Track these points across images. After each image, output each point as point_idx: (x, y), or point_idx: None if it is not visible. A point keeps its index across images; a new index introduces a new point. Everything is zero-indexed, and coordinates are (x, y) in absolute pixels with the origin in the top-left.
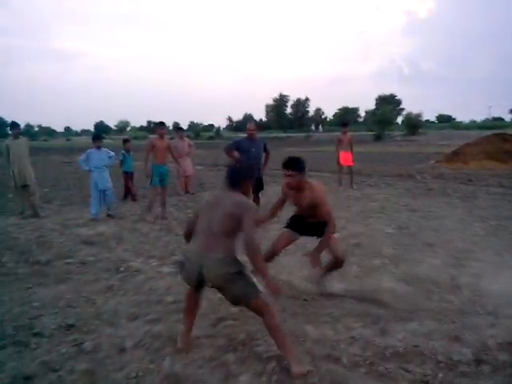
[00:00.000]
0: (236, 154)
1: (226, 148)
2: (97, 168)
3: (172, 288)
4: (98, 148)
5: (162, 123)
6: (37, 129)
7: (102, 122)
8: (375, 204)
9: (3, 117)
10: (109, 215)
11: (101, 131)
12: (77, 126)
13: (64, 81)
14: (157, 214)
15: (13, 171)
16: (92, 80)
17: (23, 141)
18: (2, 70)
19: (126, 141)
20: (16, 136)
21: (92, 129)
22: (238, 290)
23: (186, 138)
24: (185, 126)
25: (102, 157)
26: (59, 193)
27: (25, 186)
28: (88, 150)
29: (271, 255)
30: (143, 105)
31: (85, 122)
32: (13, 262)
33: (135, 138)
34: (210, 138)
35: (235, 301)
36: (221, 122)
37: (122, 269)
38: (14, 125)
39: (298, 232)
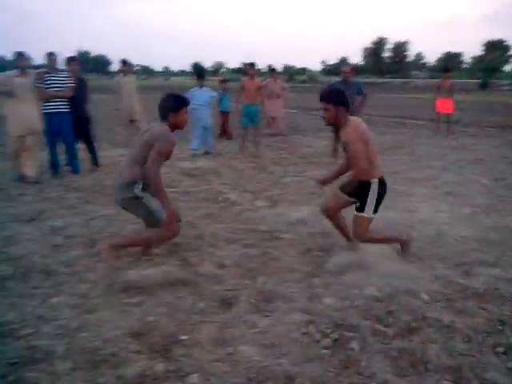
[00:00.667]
0: None
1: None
2: (199, 105)
3: (265, 219)
4: (201, 87)
5: (251, 64)
6: (137, 68)
7: (198, 62)
8: (472, 154)
9: (106, 55)
10: (207, 152)
11: (199, 71)
12: (175, 67)
13: (164, 21)
14: (251, 152)
15: (121, 106)
16: (191, 21)
17: (132, 78)
18: (105, 10)
19: (223, 81)
20: (126, 73)
21: (189, 69)
22: (137, 213)
23: (279, 80)
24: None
25: (204, 95)
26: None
27: (132, 121)
28: (192, 89)
29: (327, 214)
30: (238, 47)
31: (182, 63)
32: None
33: (229, 79)
34: (303, 81)
35: (145, 221)
36: (315, 66)
37: (220, 199)
38: (124, 62)
39: (347, 194)
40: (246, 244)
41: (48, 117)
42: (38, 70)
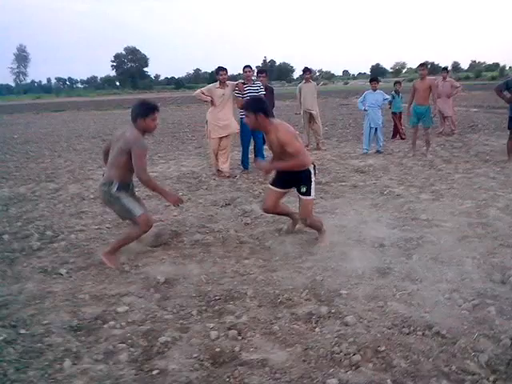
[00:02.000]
0: (507, 94)
1: (496, 88)
2: (371, 107)
3: (427, 209)
4: (374, 90)
5: (421, 64)
6: (318, 73)
7: (378, 64)
8: None
9: (289, 63)
10: (378, 151)
11: (377, 74)
12: (354, 70)
13: (342, 24)
14: (422, 152)
15: (303, 111)
16: (370, 23)
17: (313, 85)
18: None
19: (397, 83)
20: (307, 80)
21: (368, 71)
22: (116, 210)
23: (450, 79)
24: (465, 66)
25: (377, 98)
26: (337, 131)
27: (312, 124)
28: (365, 92)
29: (267, 212)
30: (421, 45)
31: (361, 66)
32: None
33: (410, 80)
34: (493, 78)
35: (122, 218)
36: (508, 60)
37: (385, 192)
38: (306, 70)
39: (281, 186)
40: (405, 229)
41: (243, 121)
42: (236, 82)
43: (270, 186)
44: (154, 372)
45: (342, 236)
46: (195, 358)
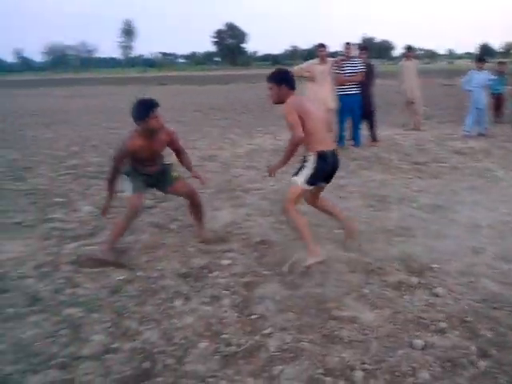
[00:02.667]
0: None
1: None
2: (476, 88)
3: None
4: (480, 69)
5: None
6: (420, 52)
7: (486, 44)
8: None
9: (390, 40)
10: (480, 133)
11: (485, 54)
12: (460, 49)
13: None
14: None
15: (403, 89)
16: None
17: (414, 62)
18: None
19: (500, 63)
20: (409, 58)
21: (474, 51)
22: None
23: None
24: None
25: (482, 78)
26: (438, 111)
27: (411, 103)
28: (470, 71)
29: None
30: None
31: (468, 45)
32: (397, 160)
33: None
34: None
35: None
36: None
37: (486, 175)
38: (409, 48)
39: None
40: (503, 213)
41: (341, 98)
42: (335, 58)
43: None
44: (253, 316)
45: (436, 215)
46: (289, 309)
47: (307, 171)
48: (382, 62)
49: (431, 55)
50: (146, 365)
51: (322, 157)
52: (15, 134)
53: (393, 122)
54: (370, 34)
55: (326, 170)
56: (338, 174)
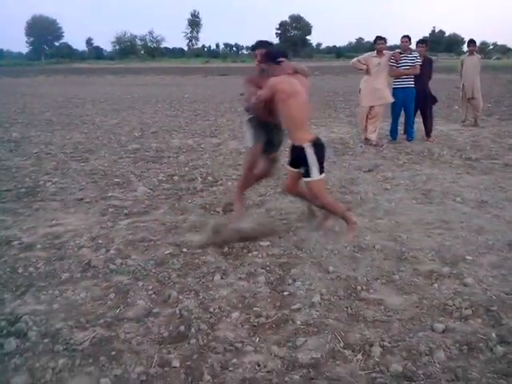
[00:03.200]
0: None
1: None
2: None
3: None
4: None
5: None
6: (491, 47)
7: None
8: None
9: (460, 34)
10: None
11: None
12: None
13: None
14: None
15: (463, 84)
16: None
17: (476, 58)
18: None
19: None
20: (471, 52)
21: None
22: None
23: None
24: None
25: None
26: (501, 108)
27: (471, 99)
28: None
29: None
30: None
31: None
32: (449, 155)
33: None
34: None
35: None
36: None
37: None
38: (471, 41)
39: (292, 165)
40: None
41: (396, 91)
42: (393, 52)
43: (287, 166)
44: (285, 293)
45: (480, 210)
46: (319, 289)
47: (314, 164)
48: (449, 56)
49: (505, 51)
50: (182, 328)
51: (315, 144)
52: (82, 118)
53: (451, 117)
54: (440, 28)
55: (322, 153)
56: (387, 167)
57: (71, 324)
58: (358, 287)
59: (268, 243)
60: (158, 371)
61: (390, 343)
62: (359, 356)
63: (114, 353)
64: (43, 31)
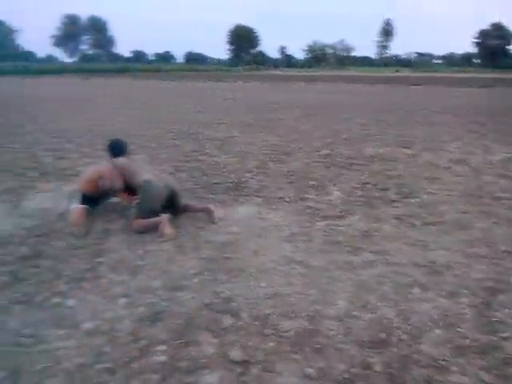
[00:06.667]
0: None
1: None
2: None
3: None
4: None
5: None
6: None
7: None
8: None
9: None
10: None
11: None
12: None
13: None
14: None
15: None
16: None
17: None
18: None
19: None
20: None
21: None
22: None
23: None
24: None
25: None
26: None
27: None
28: None
29: None
30: None
31: None
32: None
33: None
34: None
35: None
36: None
37: None
38: None
39: None
40: None
41: None
42: None
43: None
44: (493, 319)
45: None
46: None
47: None
48: None
49: None
50: (383, 335)
51: None
52: (278, 122)
53: None
54: None
55: None
56: None
57: (278, 312)
58: None
59: (470, 264)
60: (360, 372)
61: None
62: None
63: (317, 346)
64: (242, 39)
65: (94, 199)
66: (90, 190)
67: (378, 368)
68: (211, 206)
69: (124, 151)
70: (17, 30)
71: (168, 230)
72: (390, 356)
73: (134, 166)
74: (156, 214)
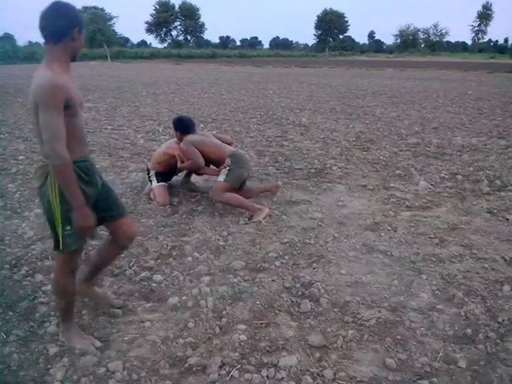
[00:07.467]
0: None
1: None
2: None
3: None
4: None
5: None
6: None
7: None
8: None
9: None
10: None
11: None
12: None
13: None
14: None
15: None
16: None
17: None
18: None
19: None
20: None
21: None
22: None
23: None
24: None
25: None
26: None
27: None
28: None
29: None
30: None
31: None
32: None
33: None
34: None
35: None
36: None
37: None
38: None
39: None
40: None
41: None
42: None
43: None
44: None
45: None
46: None
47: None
48: None
49: None
50: (468, 331)
51: None
52: (363, 109)
53: None
54: None
55: None
56: None
57: (358, 300)
58: None
59: None
60: (443, 367)
61: None
62: None
63: (399, 337)
64: (331, 25)
65: (167, 175)
66: (163, 168)
67: (462, 364)
68: (279, 183)
69: (194, 127)
70: (116, 17)
71: (264, 218)
72: (476, 353)
73: (209, 141)
74: (243, 183)
